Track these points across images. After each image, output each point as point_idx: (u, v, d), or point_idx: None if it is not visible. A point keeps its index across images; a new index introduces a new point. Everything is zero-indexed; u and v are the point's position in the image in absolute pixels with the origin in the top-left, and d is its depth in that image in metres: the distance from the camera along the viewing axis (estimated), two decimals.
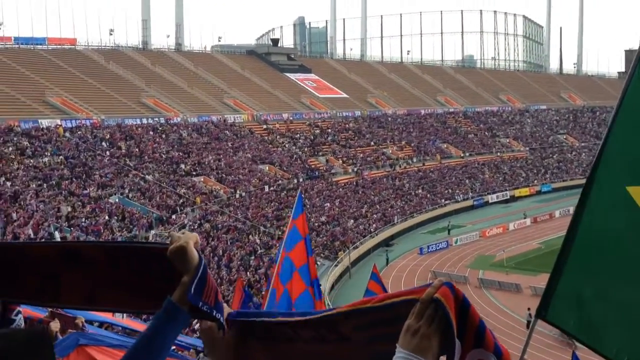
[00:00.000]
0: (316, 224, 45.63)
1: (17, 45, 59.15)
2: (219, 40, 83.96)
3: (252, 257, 36.97)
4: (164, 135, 50.95)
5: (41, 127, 43.29)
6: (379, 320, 1.60)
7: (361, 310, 1.65)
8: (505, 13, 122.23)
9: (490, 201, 64.28)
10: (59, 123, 45.02)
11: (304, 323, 1.76)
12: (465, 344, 1.50)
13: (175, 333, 1.67)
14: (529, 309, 30.99)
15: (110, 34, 70.85)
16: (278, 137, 60.79)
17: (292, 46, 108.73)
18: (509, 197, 66.36)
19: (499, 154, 75.01)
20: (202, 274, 1.67)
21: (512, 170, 72.45)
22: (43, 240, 27.30)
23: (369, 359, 1.68)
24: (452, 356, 1.48)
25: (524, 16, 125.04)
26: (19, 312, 2.57)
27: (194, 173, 46.97)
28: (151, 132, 50.59)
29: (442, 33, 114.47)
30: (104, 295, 1.89)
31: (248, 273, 33.42)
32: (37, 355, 1.55)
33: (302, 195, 8.39)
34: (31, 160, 38.41)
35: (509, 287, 37.92)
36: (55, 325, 5.13)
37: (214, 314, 1.69)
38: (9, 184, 34.25)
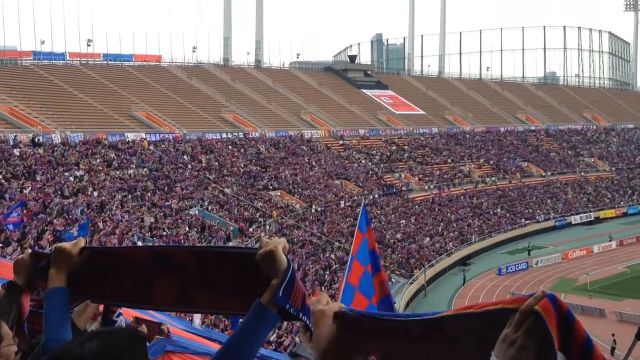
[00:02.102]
0: (391, 241, 45.32)
1: (105, 62, 61.91)
2: (297, 57, 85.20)
3: (327, 272, 37.04)
4: (242, 150, 51.94)
5: (127, 140, 44.94)
6: (484, 326, 1.57)
7: (463, 316, 1.63)
8: (590, 29, 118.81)
9: (573, 222, 62.14)
10: (144, 136, 46.62)
11: (412, 321, 1.75)
12: (572, 358, 1.41)
13: (264, 333, 1.71)
14: (613, 334, 29.72)
15: (193, 51, 72.92)
16: (354, 153, 60.90)
17: (369, 63, 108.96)
18: (593, 218, 63.98)
19: (582, 173, 72.54)
20: (290, 278, 1.71)
21: (596, 190, 69.85)
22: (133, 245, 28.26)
23: None
24: None
25: (609, 32, 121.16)
26: (120, 313, 2.65)
27: (271, 187, 47.60)
28: (230, 147, 51.67)
29: (523, 49, 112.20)
30: (195, 297, 1.94)
31: (323, 288, 33.46)
32: (135, 353, 1.63)
33: (366, 209, 8.25)
34: (117, 172, 39.86)
35: (593, 311, 36.49)
36: (142, 331, 5.25)
37: (301, 316, 1.72)
38: (96, 194, 35.64)
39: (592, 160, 77.27)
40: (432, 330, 1.68)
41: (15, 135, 38.47)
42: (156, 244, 29.15)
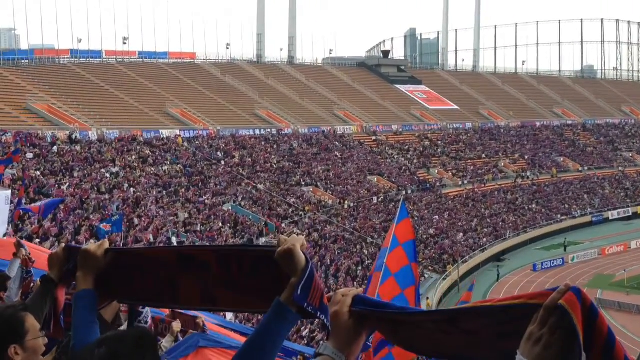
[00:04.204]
0: (424, 237, 45.09)
1: (141, 60, 62.63)
2: (330, 53, 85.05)
3: (359, 268, 37.05)
4: (275, 146, 52.15)
5: (162, 137, 45.49)
6: (504, 320, 1.55)
7: (480, 310, 1.62)
8: (629, 22, 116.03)
9: (610, 218, 61.01)
10: (178, 133, 47.14)
11: (425, 317, 1.76)
12: (593, 356, 1.40)
13: (284, 332, 1.72)
14: None
15: (227, 48, 73.27)
16: (387, 148, 60.69)
17: (402, 58, 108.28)
18: (631, 214, 62.73)
19: (620, 168, 71.11)
20: (308, 276, 1.70)
21: (635, 185, 68.42)
22: (161, 245, 28.65)
23: (498, 353, 1.63)
24: None
25: None
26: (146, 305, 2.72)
27: (304, 183, 47.73)
28: (263, 143, 51.93)
29: (559, 43, 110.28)
30: (218, 295, 1.97)
31: (355, 283, 33.48)
32: (143, 356, 1.66)
33: (405, 204, 8.23)
34: (152, 168, 40.39)
35: (630, 308, 35.90)
36: (177, 326, 5.37)
37: (319, 315, 1.72)
38: (132, 190, 36.18)
39: (631, 154, 75.71)
40: (445, 326, 1.68)
41: (53, 133, 39.25)
42: (180, 244, 29.45)
